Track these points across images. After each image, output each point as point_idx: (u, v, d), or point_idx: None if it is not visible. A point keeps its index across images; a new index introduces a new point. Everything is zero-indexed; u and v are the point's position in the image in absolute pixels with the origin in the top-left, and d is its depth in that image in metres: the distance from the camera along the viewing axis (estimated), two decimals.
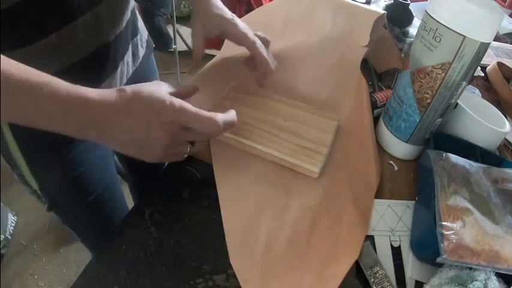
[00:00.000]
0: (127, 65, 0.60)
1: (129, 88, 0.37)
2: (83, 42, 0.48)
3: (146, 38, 0.68)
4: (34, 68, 0.33)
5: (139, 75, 0.65)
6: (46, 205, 0.62)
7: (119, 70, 0.57)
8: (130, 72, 0.63)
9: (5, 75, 0.31)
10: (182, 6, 2.35)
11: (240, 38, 0.56)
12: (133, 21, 0.60)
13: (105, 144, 0.39)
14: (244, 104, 0.56)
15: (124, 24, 0.55)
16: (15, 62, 0.32)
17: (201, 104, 0.42)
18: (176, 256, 0.42)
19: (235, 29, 0.55)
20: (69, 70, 0.47)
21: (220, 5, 0.57)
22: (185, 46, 2.21)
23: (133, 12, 0.59)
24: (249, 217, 0.46)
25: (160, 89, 0.39)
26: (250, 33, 0.56)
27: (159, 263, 0.42)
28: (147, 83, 0.39)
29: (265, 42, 0.58)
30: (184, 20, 2.28)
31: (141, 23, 0.65)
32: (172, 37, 1.99)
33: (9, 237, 1.37)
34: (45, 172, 0.58)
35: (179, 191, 0.49)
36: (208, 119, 0.39)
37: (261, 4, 1.64)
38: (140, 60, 0.66)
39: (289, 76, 0.61)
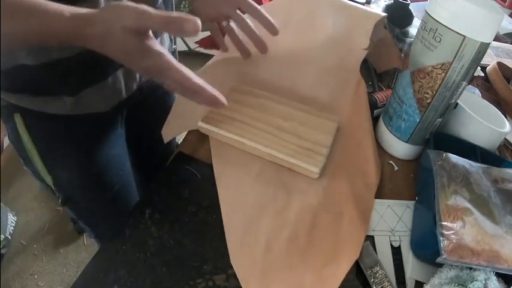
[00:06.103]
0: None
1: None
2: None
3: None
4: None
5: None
6: (60, 200, 0.62)
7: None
8: None
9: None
10: (182, 6, 2.35)
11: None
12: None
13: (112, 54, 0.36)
14: (244, 104, 0.56)
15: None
16: None
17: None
18: (176, 256, 0.42)
19: None
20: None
21: None
22: (185, 46, 2.21)
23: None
24: (249, 217, 0.46)
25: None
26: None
27: (159, 263, 0.42)
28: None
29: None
30: None
31: None
32: (172, 37, 1.99)
33: (9, 237, 1.37)
34: (62, 169, 0.57)
35: (179, 191, 0.49)
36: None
37: (261, 4, 1.63)
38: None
39: (289, 77, 0.61)
